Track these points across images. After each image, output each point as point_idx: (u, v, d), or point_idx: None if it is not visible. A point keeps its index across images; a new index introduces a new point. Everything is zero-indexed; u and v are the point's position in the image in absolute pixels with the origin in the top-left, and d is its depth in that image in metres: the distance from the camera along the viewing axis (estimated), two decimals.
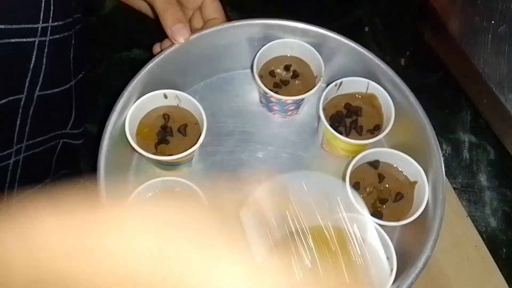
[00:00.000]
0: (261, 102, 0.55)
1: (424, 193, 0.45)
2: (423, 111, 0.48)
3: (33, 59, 0.39)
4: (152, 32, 0.51)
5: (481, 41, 0.53)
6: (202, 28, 0.50)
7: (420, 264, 0.41)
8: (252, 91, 0.54)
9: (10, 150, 0.42)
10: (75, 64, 0.45)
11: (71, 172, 0.54)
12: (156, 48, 0.50)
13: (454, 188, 0.56)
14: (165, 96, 0.48)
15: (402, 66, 0.63)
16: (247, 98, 0.55)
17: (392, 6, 0.67)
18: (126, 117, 0.45)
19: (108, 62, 0.59)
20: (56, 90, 0.43)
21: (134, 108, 0.46)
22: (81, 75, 0.48)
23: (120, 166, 0.48)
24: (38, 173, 0.49)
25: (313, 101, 0.54)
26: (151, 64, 0.47)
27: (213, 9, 0.49)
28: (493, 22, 0.52)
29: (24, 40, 0.37)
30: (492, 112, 0.55)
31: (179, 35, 0.46)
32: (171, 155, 0.45)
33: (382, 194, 0.47)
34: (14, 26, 0.36)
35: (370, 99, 0.51)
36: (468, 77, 0.56)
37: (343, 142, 0.48)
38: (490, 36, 0.53)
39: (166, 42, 0.48)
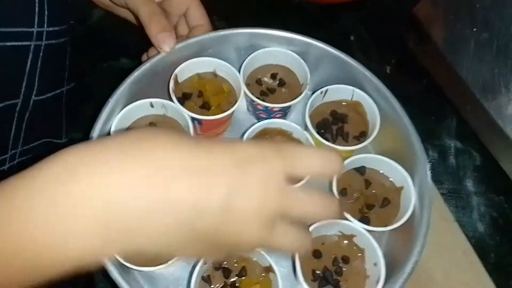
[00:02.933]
0: (248, 110, 0.55)
1: (410, 198, 0.45)
2: (408, 117, 0.48)
3: (29, 63, 0.39)
4: (139, 41, 0.51)
5: (464, 49, 0.54)
6: (188, 36, 0.50)
7: (407, 269, 0.41)
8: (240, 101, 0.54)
9: (4, 156, 0.42)
10: (70, 71, 0.45)
11: None
12: (145, 57, 0.50)
13: (441, 194, 0.57)
14: (152, 105, 0.48)
15: (387, 74, 0.64)
16: None
17: (377, 15, 0.68)
18: (111, 126, 0.45)
19: (96, 72, 0.58)
20: (49, 95, 0.43)
21: (120, 117, 0.46)
22: (73, 84, 0.48)
23: None
24: None
25: (299, 109, 0.54)
26: (136, 72, 0.47)
27: (198, 16, 0.50)
28: (475, 30, 0.53)
29: (20, 43, 0.38)
30: (476, 118, 0.56)
31: (165, 44, 0.46)
32: None
33: (369, 199, 0.47)
34: (10, 29, 0.37)
35: (356, 106, 0.52)
36: (451, 84, 0.57)
37: (329, 148, 0.49)
38: (472, 43, 0.54)
39: (152, 51, 0.49)
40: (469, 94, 0.54)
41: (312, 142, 0.48)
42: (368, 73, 0.50)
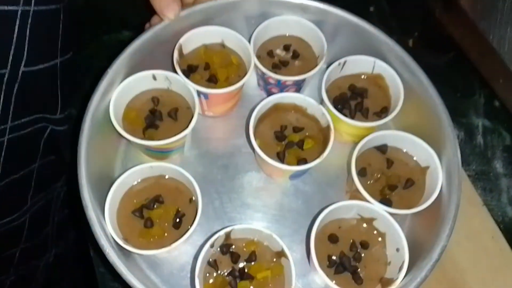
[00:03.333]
0: (258, 85, 0.51)
1: (437, 179, 0.41)
2: (435, 90, 0.44)
3: (16, 30, 0.36)
4: (142, 13, 0.47)
5: (496, 16, 0.49)
6: (194, 3, 0.46)
7: (435, 255, 0.37)
8: (250, 74, 0.50)
9: None
10: (63, 41, 0.42)
11: (58, 158, 0.51)
12: (148, 26, 0.47)
13: (468, 176, 0.53)
14: (154, 78, 0.44)
15: (410, 47, 0.60)
16: None
17: None
18: (111, 100, 0.42)
19: (97, 45, 0.55)
20: (41, 66, 0.40)
21: (120, 90, 0.42)
22: (68, 55, 0.45)
23: (106, 153, 0.44)
24: (24, 158, 0.46)
25: (314, 84, 0.51)
26: (138, 41, 0.43)
27: None
28: None
29: (6, 8, 0.35)
30: (508, 92, 0.51)
31: (169, 10, 0.43)
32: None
33: (391, 180, 0.43)
34: None
35: (377, 79, 0.47)
36: (482, 55, 0.52)
37: (347, 125, 0.45)
38: (505, 10, 0.49)
39: (155, 19, 0.45)
40: (502, 66, 0.49)
41: (329, 118, 0.44)
42: (391, 42, 0.46)
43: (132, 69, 0.43)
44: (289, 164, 0.43)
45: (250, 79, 0.50)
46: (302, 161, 0.43)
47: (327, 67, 0.46)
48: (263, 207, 0.45)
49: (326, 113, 0.44)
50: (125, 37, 0.55)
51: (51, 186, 0.53)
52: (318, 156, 0.42)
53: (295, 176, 0.46)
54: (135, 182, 0.41)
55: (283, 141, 0.44)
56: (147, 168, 0.41)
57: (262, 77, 0.48)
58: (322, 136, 0.45)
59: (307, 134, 0.45)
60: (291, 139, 0.45)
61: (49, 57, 0.42)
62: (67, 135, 0.48)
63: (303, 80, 0.47)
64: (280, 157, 0.43)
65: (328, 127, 0.43)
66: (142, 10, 0.47)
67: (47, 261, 0.60)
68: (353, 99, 0.47)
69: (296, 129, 0.45)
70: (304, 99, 0.45)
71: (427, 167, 0.43)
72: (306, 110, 0.46)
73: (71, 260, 0.66)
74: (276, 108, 0.46)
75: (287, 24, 0.49)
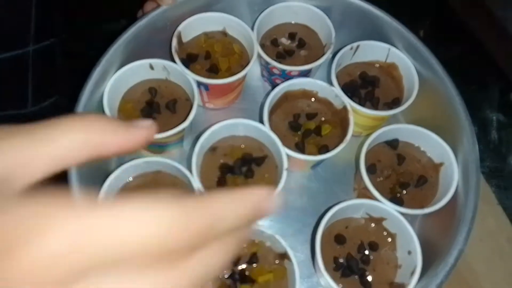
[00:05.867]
0: (262, 75, 0.49)
1: (452, 177, 0.39)
2: (451, 81, 0.41)
3: None
4: (143, 1, 0.44)
5: None
6: None
7: (451, 260, 0.35)
8: (253, 64, 0.47)
9: None
10: (38, 27, 0.39)
11: None
12: (140, 14, 0.44)
13: (482, 173, 0.50)
14: (151, 67, 0.42)
15: (421, 38, 0.56)
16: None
17: None
18: (104, 91, 0.39)
19: (94, 34, 0.53)
20: (6, 54, 0.37)
21: (114, 80, 0.40)
22: (47, 42, 0.41)
23: None
24: None
25: (320, 75, 0.48)
26: (134, 28, 0.41)
27: None
28: None
29: None
30: None
31: None
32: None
33: (402, 177, 0.41)
34: None
35: (390, 69, 0.45)
36: (499, 45, 0.49)
37: (357, 113, 0.42)
38: None
39: (148, 5, 0.42)
40: None
41: (343, 98, 0.41)
42: (403, 29, 0.43)
43: (128, 58, 0.41)
44: (310, 153, 0.40)
45: (253, 70, 0.48)
46: (323, 148, 0.41)
47: (333, 56, 0.44)
48: None
49: (339, 94, 0.41)
50: (123, 26, 0.53)
51: None
52: (338, 140, 0.40)
53: (316, 165, 0.44)
54: (131, 178, 0.39)
55: (299, 131, 0.42)
56: (142, 163, 0.38)
57: (266, 67, 0.46)
58: (338, 119, 0.43)
59: (322, 119, 0.43)
60: (307, 127, 0.42)
61: (16, 45, 0.38)
62: None
63: (310, 70, 0.45)
64: (300, 148, 0.41)
65: (344, 108, 0.41)
66: None
67: None
68: (364, 87, 0.45)
69: (310, 116, 0.43)
70: (315, 82, 0.42)
71: (441, 164, 0.41)
72: (317, 94, 0.43)
73: None
74: (286, 97, 0.43)
75: (292, 10, 0.46)
